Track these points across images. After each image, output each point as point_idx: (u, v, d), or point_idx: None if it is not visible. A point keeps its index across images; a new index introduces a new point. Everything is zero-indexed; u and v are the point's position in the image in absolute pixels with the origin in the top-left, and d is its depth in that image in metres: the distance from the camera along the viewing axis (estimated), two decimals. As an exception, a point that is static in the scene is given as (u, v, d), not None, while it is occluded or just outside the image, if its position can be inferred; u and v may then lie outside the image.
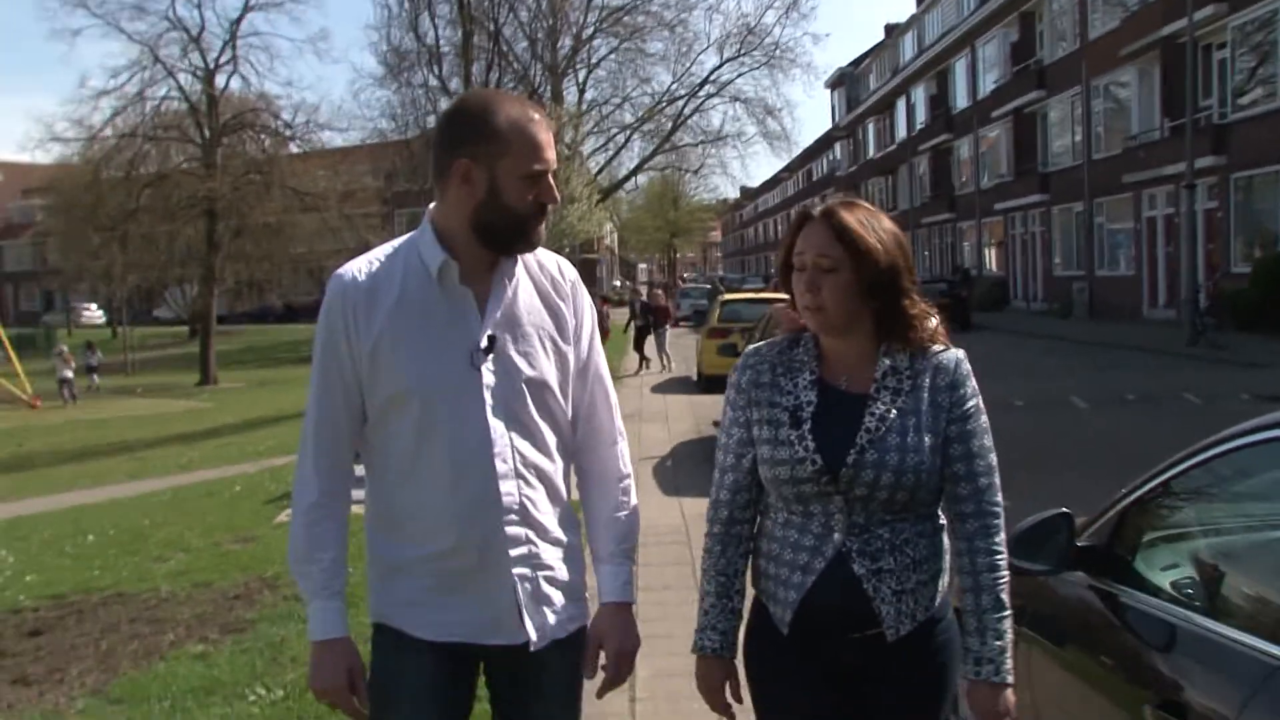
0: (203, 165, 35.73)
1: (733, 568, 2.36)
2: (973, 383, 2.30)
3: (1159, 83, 29.77)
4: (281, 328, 58.46)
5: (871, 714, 2.29)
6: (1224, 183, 26.56)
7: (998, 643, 2.21)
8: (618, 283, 69.60)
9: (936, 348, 2.28)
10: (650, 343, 25.76)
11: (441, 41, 38.06)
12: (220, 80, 37.02)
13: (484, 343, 2.21)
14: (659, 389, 20.75)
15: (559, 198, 2.29)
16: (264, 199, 36.00)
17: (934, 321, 2.29)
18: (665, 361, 25.51)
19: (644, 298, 26.91)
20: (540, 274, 2.35)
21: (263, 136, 37.43)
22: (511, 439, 2.23)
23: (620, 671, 2.36)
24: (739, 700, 2.38)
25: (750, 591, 2.39)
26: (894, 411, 2.21)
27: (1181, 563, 2.79)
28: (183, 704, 5.18)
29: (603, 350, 2.49)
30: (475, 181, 2.18)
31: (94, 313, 72.76)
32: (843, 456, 2.18)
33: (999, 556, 2.24)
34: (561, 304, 2.36)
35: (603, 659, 2.34)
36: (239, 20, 37.47)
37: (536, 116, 2.21)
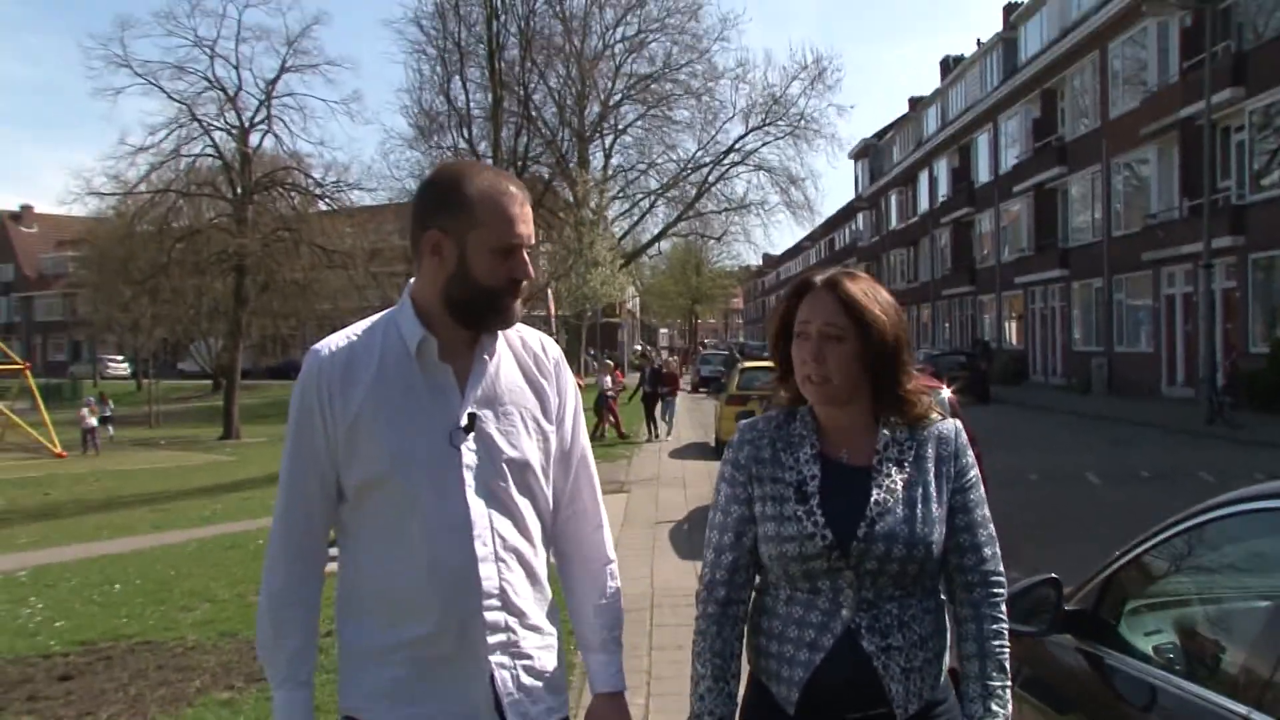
0: (234, 221, 36.39)
1: (729, 649, 2.28)
2: (971, 453, 2.30)
3: (1178, 163, 30.07)
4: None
5: None
6: (1242, 263, 26.75)
7: (1000, 710, 2.19)
8: (638, 348, 69.92)
9: (934, 417, 2.28)
10: (657, 409, 25.27)
11: (472, 105, 38.85)
12: (254, 139, 37.92)
13: (464, 421, 2.15)
14: (676, 454, 20.93)
15: (532, 274, 2.21)
16: (293, 256, 36.59)
17: (927, 398, 2.28)
18: (668, 430, 24.96)
19: (654, 364, 26.59)
20: (523, 351, 2.30)
21: (293, 194, 38.09)
22: (492, 520, 2.16)
23: None
24: None
25: (745, 670, 2.34)
26: (899, 483, 2.19)
27: (1163, 628, 2.98)
28: (210, 748, 5.36)
29: (586, 431, 2.44)
30: (445, 254, 2.12)
31: (120, 365, 73.50)
32: (853, 530, 2.15)
33: (1004, 625, 2.25)
34: (544, 383, 2.29)
35: None
36: (275, 81, 38.45)
37: (511, 189, 2.15)
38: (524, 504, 2.21)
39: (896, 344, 2.20)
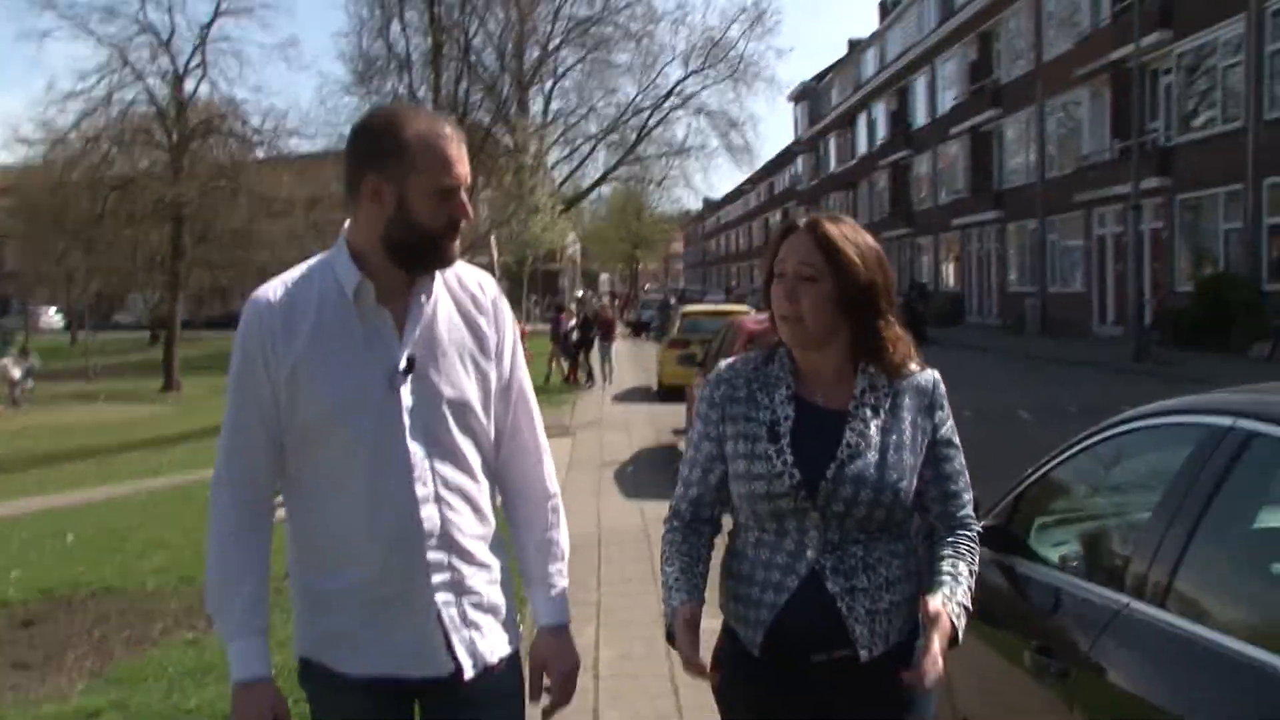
0: (170, 170, 35.81)
1: (695, 552, 2.31)
2: (948, 405, 2.33)
3: (1109, 105, 30.65)
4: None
5: None
6: (1169, 204, 27.44)
7: (963, 590, 2.22)
8: (579, 293, 70.04)
9: (913, 367, 2.29)
10: (594, 355, 25.19)
11: (411, 50, 38.39)
12: (189, 85, 37.23)
13: (403, 364, 2.16)
14: (620, 399, 21.21)
15: (472, 213, 2.23)
16: (231, 205, 36.16)
17: (906, 345, 2.28)
18: (608, 376, 24.62)
19: (585, 310, 26.28)
20: (460, 291, 2.30)
21: (230, 142, 37.53)
22: (432, 462, 2.18)
23: (565, 693, 2.34)
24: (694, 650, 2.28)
25: (719, 618, 2.38)
26: (873, 429, 2.21)
27: (1066, 538, 3.31)
28: (179, 684, 5.53)
29: (526, 366, 2.45)
30: (385, 199, 2.13)
31: (53, 318, 72.07)
32: (822, 471, 2.18)
33: (976, 558, 2.30)
34: (482, 320, 2.30)
35: (546, 681, 2.33)
36: (209, 25, 37.68)
37: (448, 131, 2.16)
38: (465, 443, 2.23)
39: (872, 288, 2.20)
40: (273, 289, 2.18)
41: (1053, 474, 3.40)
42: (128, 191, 36.13)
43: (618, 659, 5.63)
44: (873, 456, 2.18)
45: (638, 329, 43.29)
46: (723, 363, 2.41)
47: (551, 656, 2.31)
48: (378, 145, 2.13)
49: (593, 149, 46.44)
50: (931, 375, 2.31)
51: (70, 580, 8.36)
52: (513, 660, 2.31)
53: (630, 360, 30.49)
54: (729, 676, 2.28)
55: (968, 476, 2.33)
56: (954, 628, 2.12)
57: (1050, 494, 3.46)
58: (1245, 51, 24.02)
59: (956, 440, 2.33)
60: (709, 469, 2.32)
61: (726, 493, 2.32)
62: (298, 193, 39.75)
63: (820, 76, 70.37)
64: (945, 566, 2.24)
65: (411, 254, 2.16)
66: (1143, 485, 3.15)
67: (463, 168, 2.16)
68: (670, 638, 2.23)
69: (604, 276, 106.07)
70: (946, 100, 44.84)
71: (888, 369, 2.25)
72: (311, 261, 2.25)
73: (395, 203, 2.12)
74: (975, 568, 2.29)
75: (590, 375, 24.83)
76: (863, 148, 58.18)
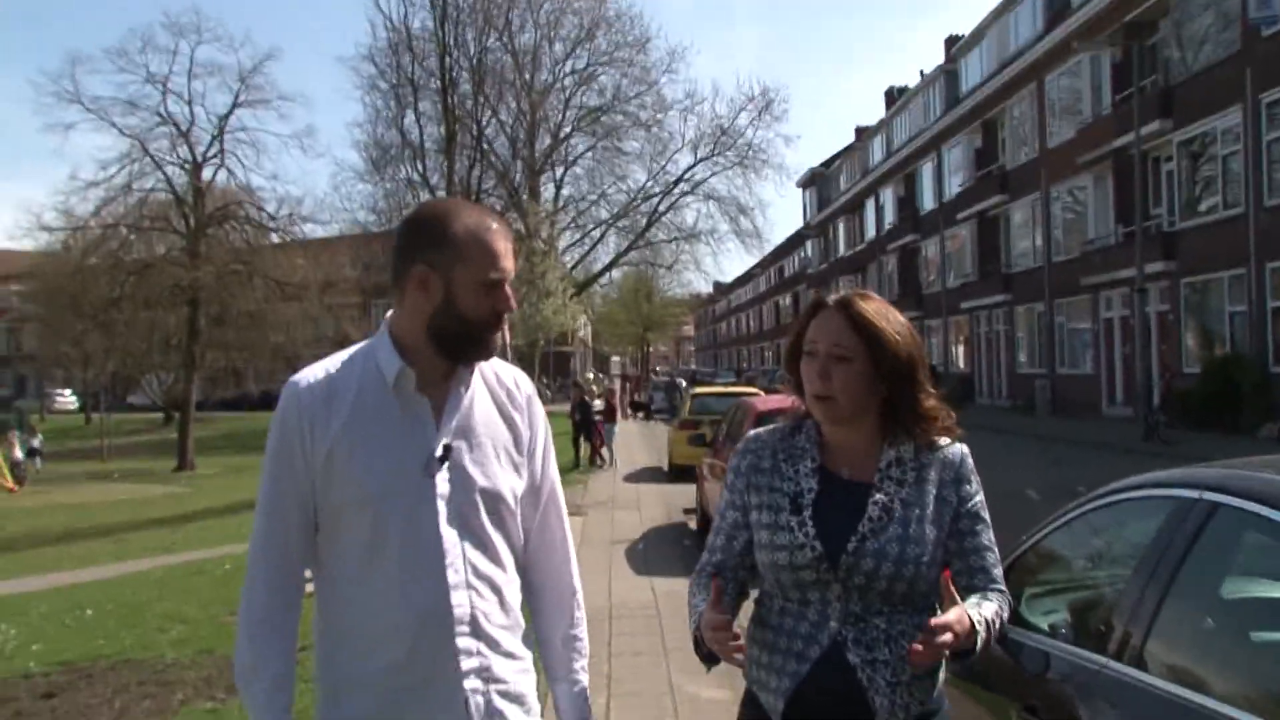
0: (187, 254, 36.42)
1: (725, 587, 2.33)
2: (976, 479, 2.32)
3: (1112, 191, 31.09)
4: (257, 415, 58.73)
5: None
6: (1174, 287, 27.71)
7: (989, 612, 2.21)
8: (589, 375, 70.36)
9: (942, 441, 2.30)
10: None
11: (425, 138, 39.24)
12: (207, 173, 38.02)
13: (439, 451, 2.19)
14: (630, 478, 21.35)
15: (515, 306, 2.28)
16: (246, 288, 36.67)
17: (946, 415, 2.31)
18: (610, 458, 24.66)
19: (585, 394, 26.18)
20: (497, 386, 2.34)
21: (246, 228, 38.21)
22: (464, 549, 2.19)
23: None
24: (726, 632, 2.20)
25: (741, 684, 2.40)
26: (897, 502, 2.22)
27: (1055, 606, 3.49)
28: (201, 750, 5.71)
29: (556, 465, 2.49)
30: (432, 289, 2.16)
31: (67, 399, 72.68)
32: (843, 544, 2.19)
33: (1006, 609, 2.30)
34: (517, 416, 2.34)
35: None
36: (227, 116, 38.61)
37: (495, 225, 2.21)
38: (496, 534, 2.24)
39: (910, 363, 2.23)
40: (314, 371, 2.22)
41: (1041, 545, 3.60)
42: (145, 276, 36.72)
43: (627, 727, 5.77)
44: (895, 530, 2.19)
45: (637, 408, 43.48)
46: (750, 433, 2.45)
47: None
48: (427, 237, 2.17)
49: (603, 234, 47.20)
50: (960, 449, 2.32)
51: (90, 653, 8.48)
52: None
53: (641, 440, 30.65)
54: None
55: (997, 552, 2.33)
56: (973, 627, 2.11)
57: (1040, 564, 3.65)
58: (1243, 140, 24.46)
59: (985, 515, 2.32)
60: (733, 536, 2.35)
61: (751, 559, 2.35)
62: (312, 276, 40.33)
63: (829, 163, 71.37)
64: (973, 598, 2.23)
65: (455, 344, 2.20)
66: (1123, 554, 3.34)
67: (509, 261, 2.21)
68: (697, 644, 2.28)
69: (615, 358, 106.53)
70: (953, 185, 45.46)
71: (929, 438, 2.28)
72: (354, 348, 2.29)
73: (442, 293, 2.16)
74: (1004, 614, 2.28)
75: (606, 457, 24.89)
76: (871, 232, 58.79)
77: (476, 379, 2.28)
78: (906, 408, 2.24)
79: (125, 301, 37.00)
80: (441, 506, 2.16)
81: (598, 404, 25.22)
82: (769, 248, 60.08)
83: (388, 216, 38.01)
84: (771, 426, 2.40)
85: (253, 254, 37.60)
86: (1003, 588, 2.31)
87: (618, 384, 41.83)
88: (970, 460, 2.31)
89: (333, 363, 2.25)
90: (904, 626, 2.19)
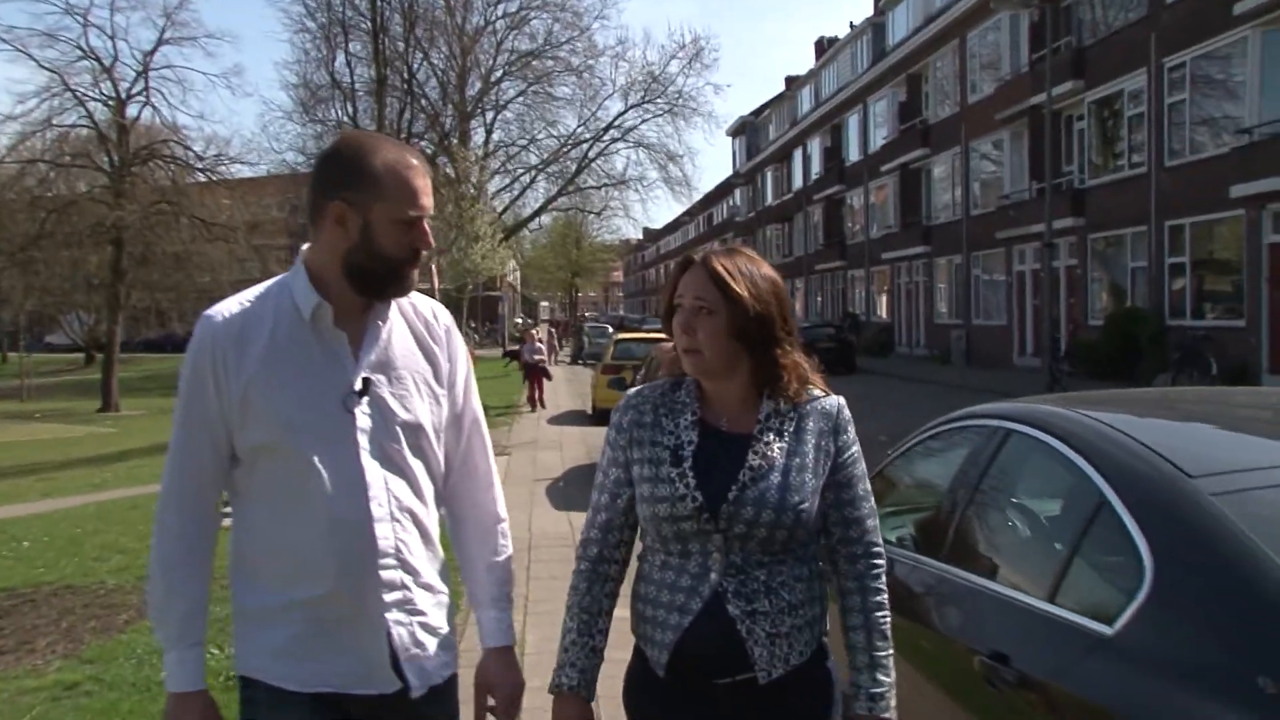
0: (111, 193, 35.99)
1: (597, 606, 2.38)
2: (853, 429, 2.37)
3: (1028, 148, 32.07)
4: (180, 356, 58.07)
5: None
6: (1082, 242, 28.83)
7: (886, 679, 2.29)
8: (519, 320, 70.57)
9: (817, 393, 2.34)
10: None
11: (355, 80, 39.11)
12: (132, 110, 37.36)
13: (358, 385, 2.19)
14: (554, 420, 21.94)
15: (433, 243, 2.28)
16: (172, 228, 36.31)
17: (806, 371, 2.34)
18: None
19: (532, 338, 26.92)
20: (415, 318, 2.34)
21: (172, 167, 37.77)
22: (387, 481, 2.20)
23: (510, 712, 2.38)
24: None
25: (631, 640, 2.42)
26: (776, 451, 2.26)
27: (902, 522, 4.11)
28: (148, 661, 6.13)
29: (478, 395, 2.50)
30: (349, 225, 2.15)
31: (-18, 338, 71.16)
32: (724, 494, 2.22)
33: (885, 595, 2.35)
34: (436, 348, 2.34)
35: (490, 701, 2.37)
36: (152, 52, 37.72)
37: (414, 162, 2.19)
38: (417, 465, 2.26)
39: (765, 318, 2.26)
40: (227, 307, 2.20)
41: (886, 470, 4.25)
42: (67, 213, 36.20)
43: (541, 641, 6.42)
44: (775, 479, 2.23)
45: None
46: (631, 390, 2.49)
47: (497, 677, 2.36)
48: (345, 172, 2.16)
49: (533, 179, 47.48)
50: (836, 400, 2.37)
51: (32, 579, 8.87)
52: (451, 682, 2.35)
53: (565, 384, 31.25)
54: (638, 697, 2.36)
55: (873, 502, 2.38)
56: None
57: (885, 487, 4.29)
58: (1148, 102, 25.43)
59: (862, 465, 2.37)
60: (617, 494, 2.38)
61: (635, 516, 2.38)
62: (239, 217, 40.01)
63: (758, 111, 71.83)
64: (860, 641, 2.32)
65: (372, 279, 2.20)
66: (945, 474, 3.97)
67: (428, 199, 2.21)
68: (554, 707, 2.35)
69: (544, 304, 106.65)
70: (878, 138, 46.22)
71: (787, 395, 2.30)
72: (269, 282, 2.27)
73: (360, 230, 2.15)
74: (885, 610, 2.35)
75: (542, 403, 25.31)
76: (798, 182, 59.46)
77: (394, 312, 2.29)
78: (765, 362, 2.28)
79: (45, 240, 36.46)
80: (363, 440, 2.17)
81: (539, 346, 25.65)
82: (698, 196, 60.90)
83: (316, 158, 37.73)
84: (652, 383, 2.44)
85: (179, 194, 37.14)
86: (874, 542, 2.36)
87: (545, 330, 42.19)
88: (847, 411, 2.37)
89: (246, 297, 2.23)
90: (784, 578, 2.24)
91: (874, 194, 47.38)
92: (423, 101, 41.10)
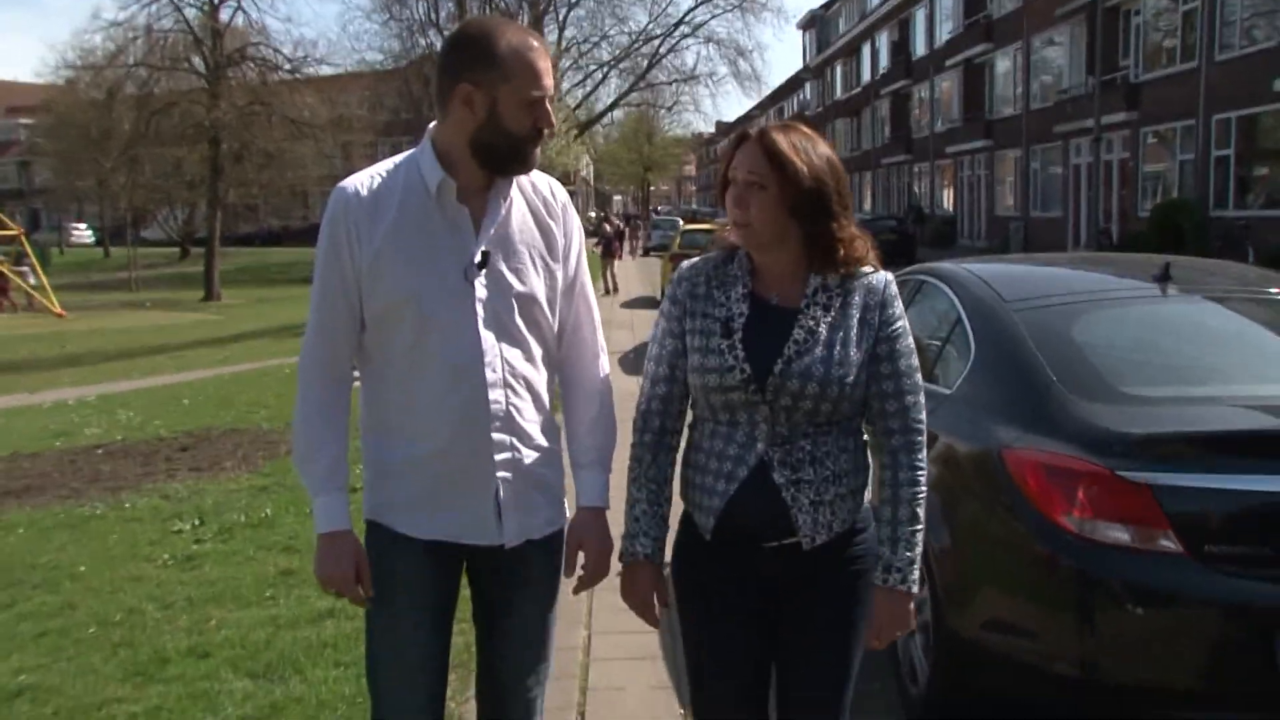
0: (207, 94, 38.02)
1: (663, 475, 2.41)
2: (900, 304, 2.35)
3: (1085, 42, 32.64)
4: (269, 250, 60.58)
5: (791, 622, 2.38)
6: (1135, 136, 29.72)
7: (908, 553, 2.32)
8: (592, 214, 72.04)
9: (865, 269, 2.33)
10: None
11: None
12: (224, 14, 39.25)
13: (478, 258, 2.27)
14: (626, 305, 23.83)
15: (555, 122, 2.33)
16: (265, 128, 38.31)
17: (863, 245, 2.32)
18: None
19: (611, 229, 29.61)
20: (533, 195, 2.41)
21: (262, 69, 39.62)
22: (501, 350, 2.30)
23: (596, 571, 2.46)
24: (665, 605, 2.43)
25: (679, 506, 2.43)
26: (822, 325, 2.27)
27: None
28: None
29: (588, 268, 2.55)
30: (476, 106, 2.22)
31: (83, 232, 74.09)
32: (770, 366, 2.24)
33: (920, 472, 2.34)
34: (552, 224, 2.41)
35: (580, 558, 2.46)
36: (243, -45, 39.63)
37: (536, 44, 2.24)
38: (531, 334, 2.36)
39: (819, 193, 2.24)
40: (360, 179, 2.30)
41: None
42: (168, 113, 38.36)
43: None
44: (820, 352, 2.24)
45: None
46: (685, 263, 2.48)
47: (586, 535, 2.44)
48: (472, 54, 2.23)
49: (605, 75, 48.21)
50: (884, 276, 2.35)
51: (203, 424, 10.95)
52: (556, 537, 2.47)
53: (636, 271, 33.17)
54: (686, 562, 2.44)
55: (918, 377, 2.36)
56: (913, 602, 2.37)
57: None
58: (1201, -4, 26.12)
59: (909, 340, 2.36)
60: (675, 365, 2.39)
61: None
62: (323, 115, 41.86)
63: (828, 4, 71.49)
64: (888, 514, 2.35)
65: (497, 158, 2.28)
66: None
67: (549, 80, 2.26)
68: (624, 575, 2.43)
69: (616, 197, 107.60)
70: (944, 32, 46.52)
71: (841, 267, 2.30)
72: (399, 157, 2.36)
73: (486, 110, 2.23)
74: (919, 487, 2.35)
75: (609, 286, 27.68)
76: (866, 76, 59.66)
77: (514, 190, 2.37)
78: (819, 236, 2.28)
79: (148, 139, 38.69)
80: (480, 309, 2.28)
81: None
82: (767, 90, 61.21)
83: (398, 55, 39.39)
84: (706, 255, 2.45)
85: (270, 94, 39.05)
86: (916, 419, 2.35)
87: (623, 224, 43.61)
88: (894, 287, 2.35)
89: (378, 171, 2.33)
90: (829, 448, 2.28)
91: (938, 89, 47.78)
92: (498, 2, 42.19)
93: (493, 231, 2.31)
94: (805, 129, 2.33)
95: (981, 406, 3.88)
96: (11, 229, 37.90)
